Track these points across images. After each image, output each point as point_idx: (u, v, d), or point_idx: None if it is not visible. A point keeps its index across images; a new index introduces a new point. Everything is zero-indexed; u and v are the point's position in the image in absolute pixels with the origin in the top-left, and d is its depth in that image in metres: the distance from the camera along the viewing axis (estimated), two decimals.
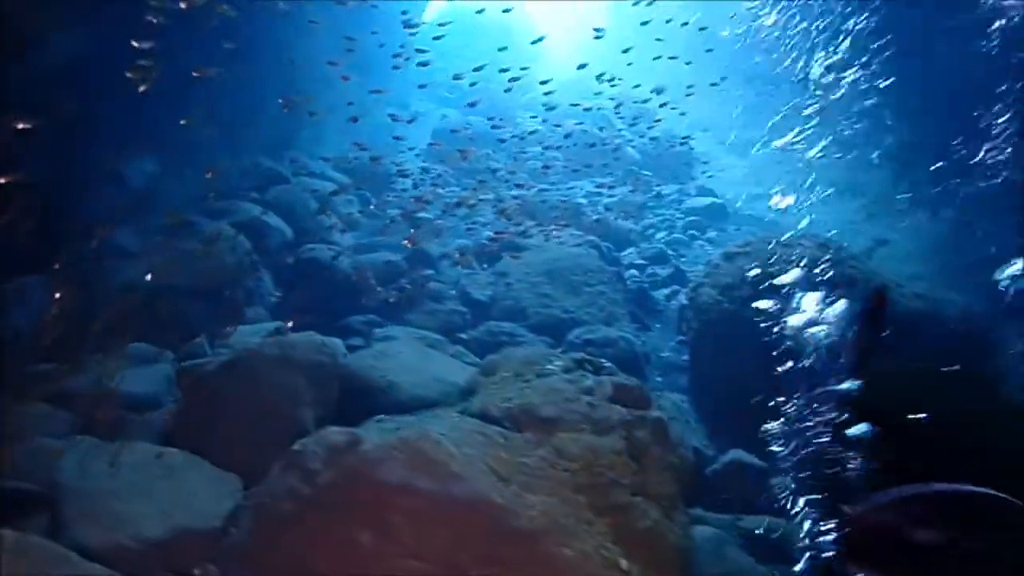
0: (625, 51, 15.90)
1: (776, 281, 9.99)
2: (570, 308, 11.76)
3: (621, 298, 12.43)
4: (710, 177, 20.29)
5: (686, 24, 16.62)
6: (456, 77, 18.19)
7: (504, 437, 6.05)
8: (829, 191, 18.39)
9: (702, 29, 16.97)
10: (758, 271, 10.25)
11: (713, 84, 17.93)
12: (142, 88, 8.39)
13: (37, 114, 8.39)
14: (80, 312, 9.01)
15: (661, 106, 18.92)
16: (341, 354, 7.75)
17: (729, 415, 9.78)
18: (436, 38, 15.99)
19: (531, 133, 20.89)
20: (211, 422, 6.83)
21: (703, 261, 15.21)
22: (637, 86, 16.57)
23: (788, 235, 10.66)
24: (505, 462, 5.75)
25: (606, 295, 12.22)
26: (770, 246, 10.57)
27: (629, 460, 6.02)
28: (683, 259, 15.08)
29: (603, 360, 7.55)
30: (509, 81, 18.34)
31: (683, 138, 20.82)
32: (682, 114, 18.09)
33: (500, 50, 21.23)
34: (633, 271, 13.98)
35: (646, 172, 19.84)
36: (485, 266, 13.64)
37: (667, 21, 16.65)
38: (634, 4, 11.82)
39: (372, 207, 15.88)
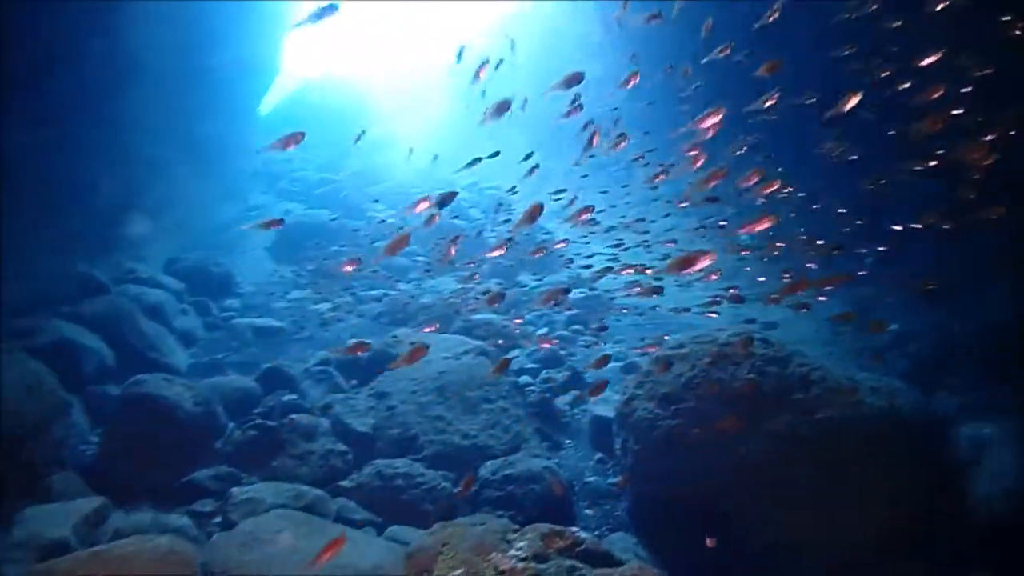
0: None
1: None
2: (470, 432, 9.36)
3: (524, 413, 10.13)
4: (577, 266, 18.41)
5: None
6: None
7: None
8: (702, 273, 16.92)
9: None
10: (701, 378, 8.26)
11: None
12: None
13: None
14: None
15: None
16: (199, 563, 5.04)
17: (694, 559, 7.62)
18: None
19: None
20: None
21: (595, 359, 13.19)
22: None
23: (727, 333, 8.73)
24: None
25: (508, 411, 9.88)
26: (707, 344, 8.63)
27: None
28: (574, 358, 12.95)
29: (575, 530, 5.19)
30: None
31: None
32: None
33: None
34: (526, 377, 11.69)
35: (510, 263, 17.79)
36: (354, 382, 11.08)
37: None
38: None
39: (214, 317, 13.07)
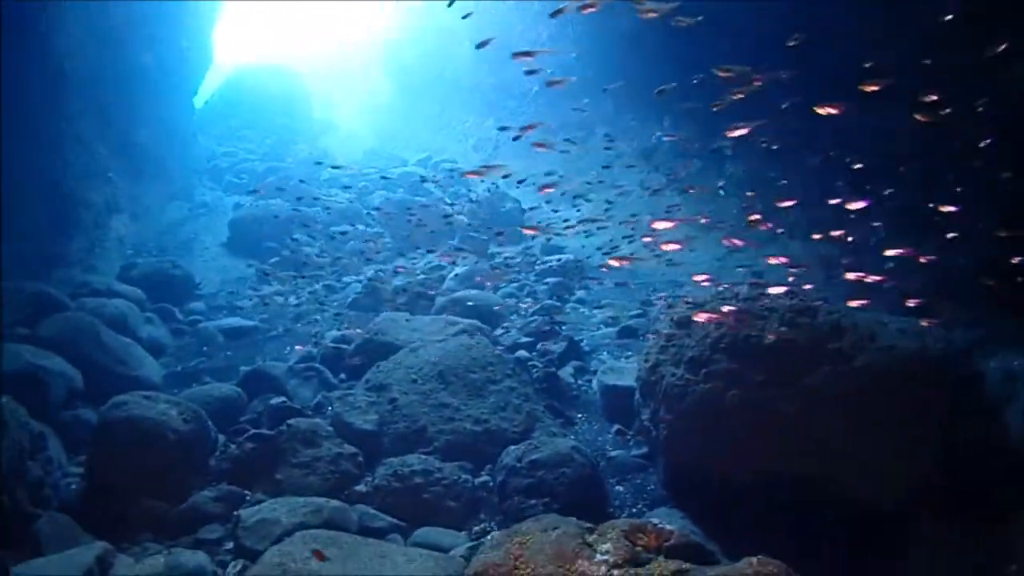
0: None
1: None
2: (481, 417, 8.66)
3: (532, 390, 9.44)
4: (549, 235, 17.64)
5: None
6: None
7: None
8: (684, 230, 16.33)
9: None
10: (730, 336, 7.65)
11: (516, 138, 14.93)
12: None
13: None
14: None
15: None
16: None
17: (742, 525, 7.04)
18: None
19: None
20: None
21: (586, 326, 12.58)
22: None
23: (746, 287, 8.15)
24: None
25: (516, 390, 9.19)
26: (730, 301, 8.02)
27: None
28: (565, 327, 12.24)
29: (656, 522, 4.54)
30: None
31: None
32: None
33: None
34: (522, 352, 10.97)
35: (481, 236, 16.98)
36: (343, 376, 10.30)
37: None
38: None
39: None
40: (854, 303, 8.10)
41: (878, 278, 8.55)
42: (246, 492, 7.31)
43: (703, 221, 12.57)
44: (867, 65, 8.14)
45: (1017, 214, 9.23)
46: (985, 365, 8.50)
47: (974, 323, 9.90)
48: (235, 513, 6.73)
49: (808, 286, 8.32)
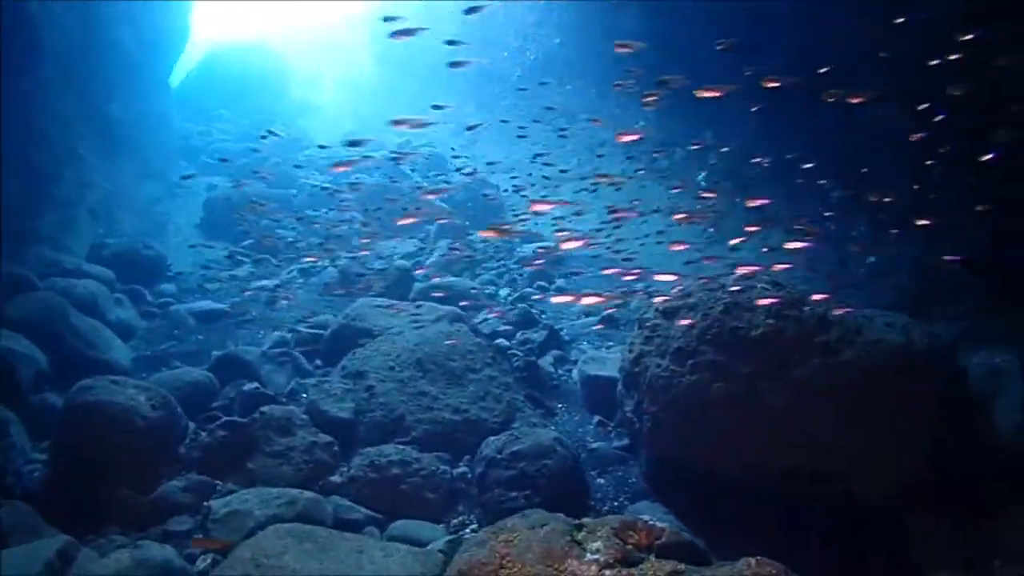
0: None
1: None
2: (460, 407, 8.44)
3: (513, 380, 9.24)
4: (526, 220, 17.39)
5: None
6: None
7: None
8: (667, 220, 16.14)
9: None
10: (716, 327, 7.47)
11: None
12: None
13: None
14: None
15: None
16: None
17: (726, 519, 6.88)
18: None
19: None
20: None
21: (567, 315, 12.38)
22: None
23: (732, 276, 8.00)
24: None
25: (497, 379, 8.99)
26: (716, 292, 7.86)
27: None
28: (545, 316, 12.03)
29: (646, 518, 4.36)
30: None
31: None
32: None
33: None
34: (501, 340, 10.75)
35: (461, 222, 16.69)
36: (318, 362, 10.06)
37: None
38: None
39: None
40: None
41: None
42: (217, 482, 7.06)
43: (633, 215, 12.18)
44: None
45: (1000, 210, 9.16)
46: (968, 361, 8.41)
47: (957, 318, 9.83)
48: (205, 504, 6.49)
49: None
